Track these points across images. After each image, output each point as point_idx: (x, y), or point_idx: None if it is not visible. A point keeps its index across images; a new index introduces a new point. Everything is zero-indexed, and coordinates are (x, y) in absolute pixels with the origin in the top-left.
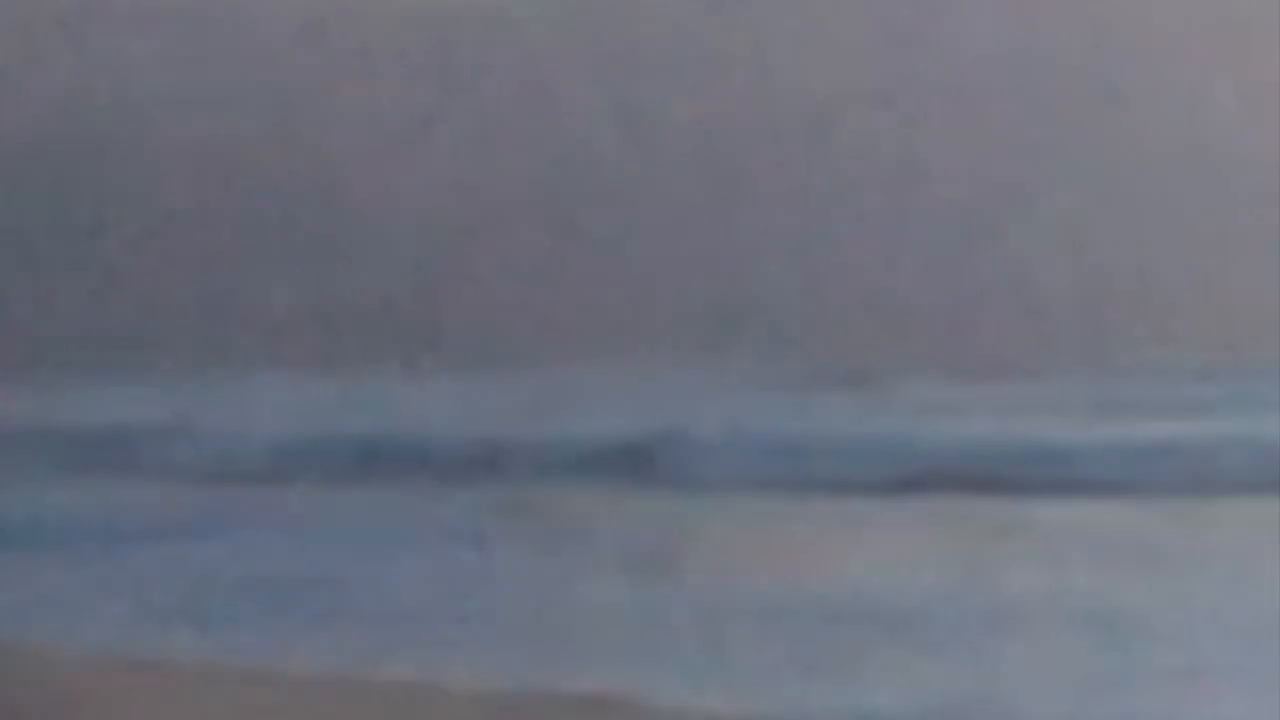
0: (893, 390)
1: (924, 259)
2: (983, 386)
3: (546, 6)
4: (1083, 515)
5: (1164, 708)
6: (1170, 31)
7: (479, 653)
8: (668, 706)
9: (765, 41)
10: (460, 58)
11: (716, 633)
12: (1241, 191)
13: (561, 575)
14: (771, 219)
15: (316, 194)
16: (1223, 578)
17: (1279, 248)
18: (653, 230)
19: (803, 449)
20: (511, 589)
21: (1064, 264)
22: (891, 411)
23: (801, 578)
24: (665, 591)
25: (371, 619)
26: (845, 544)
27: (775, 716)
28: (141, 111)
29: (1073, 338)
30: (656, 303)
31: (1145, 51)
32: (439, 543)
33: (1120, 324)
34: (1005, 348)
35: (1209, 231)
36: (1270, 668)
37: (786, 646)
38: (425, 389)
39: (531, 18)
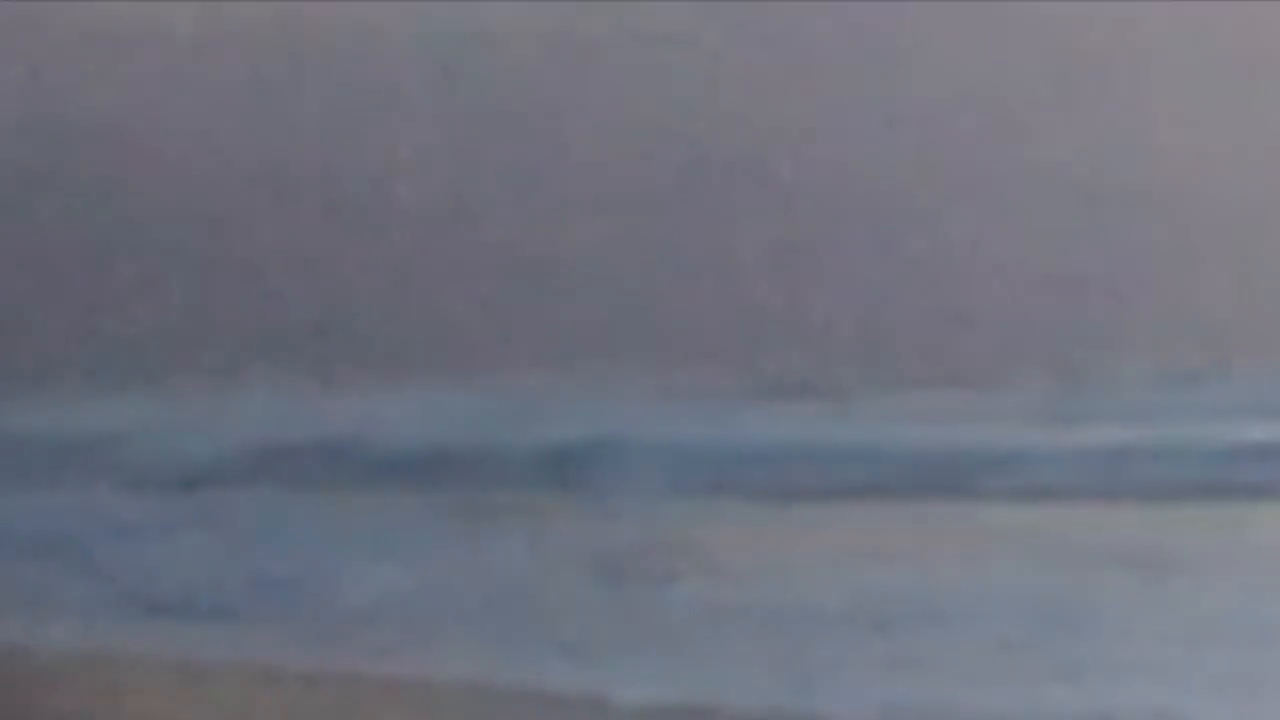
0: (853, 399)
1: (885, 272)
2: (944, 395)
3: (540, 28)
4: (1043, 518)
5: (1123, 705)
6: (1137, 48)
7: (456, 649)
8: (638, 702)
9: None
10: (438, 76)
11: (683, 632)
12: (1201, 204)
13: (533, 577)
14: (739, 232)
15: (289, 208)
16: (1180, 578)
17: (1236, 259)
18: (621, 244)
19: (764, 456)
20: (485, 589)
21: (1024, 275)
22: (852, 420)
23: (768, 580)
24: (635, 592)
25: (350, 617)
26: (811, 547)
27: (740, 712)
28: (131, 121)
29: (1034, 347)
30: (621, 315)
31: (1110, 66)
32: (408, 544)
33: (1080, 333)
34: (965, 357)
35: (1168, 243)
36: (1224, 666)
37: (753, 645)
38: (392, 398)
39: (522, 37)
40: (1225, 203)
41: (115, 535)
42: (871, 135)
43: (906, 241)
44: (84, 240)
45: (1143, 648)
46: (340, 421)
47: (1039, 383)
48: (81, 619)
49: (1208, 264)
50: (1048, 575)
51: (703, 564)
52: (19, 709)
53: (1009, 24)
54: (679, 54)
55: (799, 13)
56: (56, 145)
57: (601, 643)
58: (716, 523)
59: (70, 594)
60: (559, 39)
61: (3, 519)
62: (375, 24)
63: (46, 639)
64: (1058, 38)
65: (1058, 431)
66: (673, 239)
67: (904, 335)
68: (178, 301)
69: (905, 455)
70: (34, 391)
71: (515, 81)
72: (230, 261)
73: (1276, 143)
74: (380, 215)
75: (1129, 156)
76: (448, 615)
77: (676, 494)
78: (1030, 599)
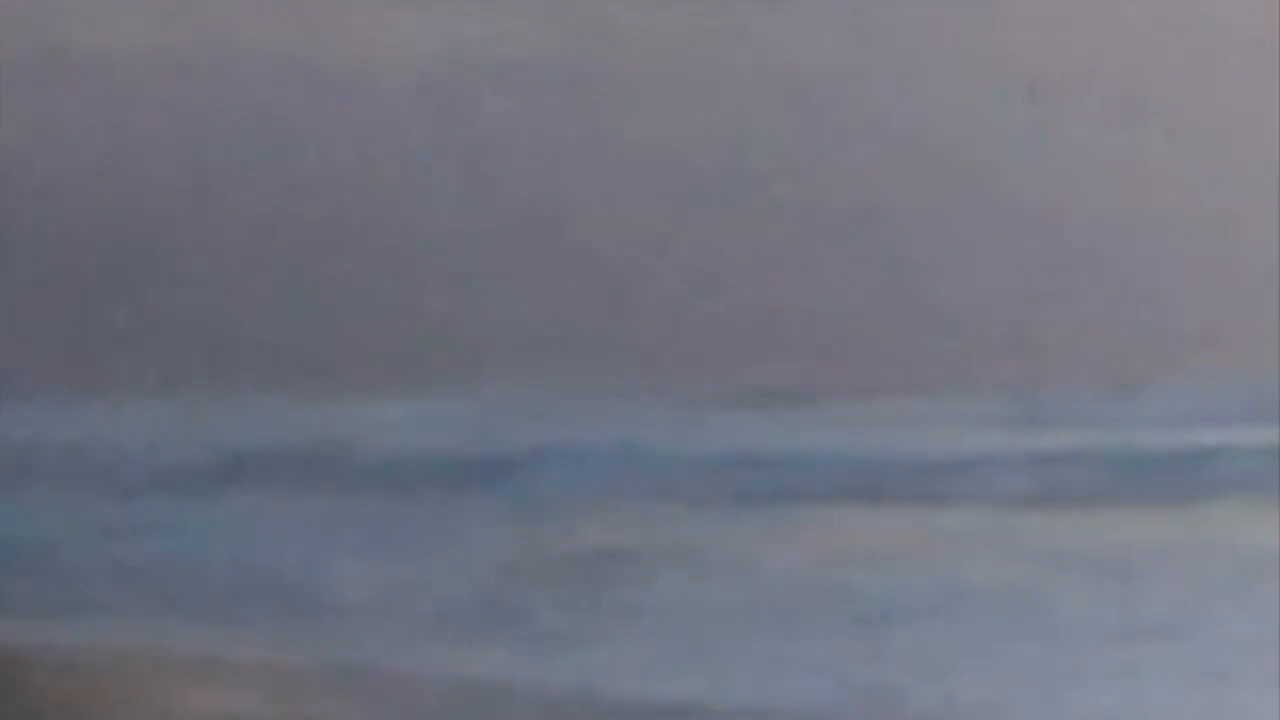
0: (822, 406)
1: (855, 283)
2: (908, 402)
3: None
4: (1004, 522)
5: (1083, 703)
6: (1095, 75)
7: (445, 649)
8: (622, 701)
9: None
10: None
11: (664, 632)
12: (1154, 219)
13: (519, 578)
14: (714, 244)
15: (279, 220)
16: (1136, 580)
17: (1186, 272)
18: (598, 254)
19: (738, 461)
20: (470, 590)
21: (984, 288)
22: (820, 426)
23: (744, 581)
24: (616, 594)
25: (343, 617)
26: (784, 550)
27: (722, 709)
28: (130, 132)
29: (994, 357)
30: (598, 323)
31: (1068, 90)
32: (399, 546)
33: (1039, 343)
34: (929, 366)
35: (1121, 257)
36: (1180, 664)
37: (731, 644)
38: (379, 405)
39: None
40: (1176, 217)
41: (112, 538)
42: (843, 148)
43: (875, 255)
44: (81, 246)
45: (1101, 647)
46: (331, 427)
47: (1000, 390)
48: (80, 620)
49: (1160, 276)
50: (1009, 577)
51: (680, 566)
52: (20, 709)
53: (978, 49)
54: (660, 65)
55: (781, 28)
56: (56, 152)
57: (586, 642)
58: (693, 526)
59: (69, 596)
60: (543, 53)
61: (0, 522)
62: (370, 45)
63: (46, 640)
64: (1020, 65)
65: (1018, 437)
66: (650, 250)
67: (871, 344)
68: (172, 310)
69: (872, 460)
70: (29, 396)
71: (495, 97)
72: (223, 273)
73: (1225, 160)
74: (368, 227)
75: (1084, 175)
76: (435, 615)
77: (653, 498)
78: (994, 600)
